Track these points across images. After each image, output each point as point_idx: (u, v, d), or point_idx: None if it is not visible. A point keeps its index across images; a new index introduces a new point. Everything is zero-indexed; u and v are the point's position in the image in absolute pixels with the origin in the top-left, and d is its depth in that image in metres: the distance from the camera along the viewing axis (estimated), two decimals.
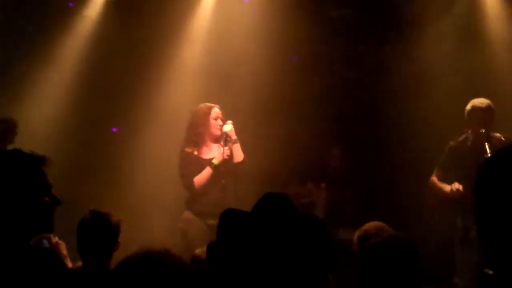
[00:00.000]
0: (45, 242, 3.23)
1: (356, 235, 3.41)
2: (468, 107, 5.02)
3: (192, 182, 5.14)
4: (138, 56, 6.70)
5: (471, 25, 6.19)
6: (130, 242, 3.06)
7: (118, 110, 6.68)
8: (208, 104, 5.30)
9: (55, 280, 1.99)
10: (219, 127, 5.21)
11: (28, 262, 2.00)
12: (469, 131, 5.06)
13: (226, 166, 5.18)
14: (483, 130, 4.89)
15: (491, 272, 1.43)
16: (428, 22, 6.21)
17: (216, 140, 5.23)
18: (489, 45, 6.11)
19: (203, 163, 5.15)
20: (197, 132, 5.22)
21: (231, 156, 5.20)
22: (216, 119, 5.24)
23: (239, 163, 5.21)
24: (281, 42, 6.36)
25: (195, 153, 5.20)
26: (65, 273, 2.09)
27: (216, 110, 5.27)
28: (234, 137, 5.22)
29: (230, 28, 6.48)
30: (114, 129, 6.76)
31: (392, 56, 6.27)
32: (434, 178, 5.21)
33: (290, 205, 2.13)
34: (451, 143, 5.15)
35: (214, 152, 5.20)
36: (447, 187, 4.95)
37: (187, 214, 5.18)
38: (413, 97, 6.01)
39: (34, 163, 2.09)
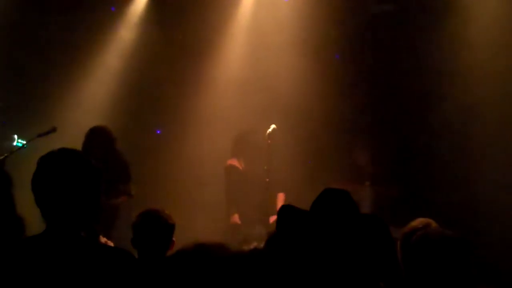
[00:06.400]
0: None
1: (401, 232, 3.27)
2: None
3: None
4: (179, 58, 6.75)
5: None
6: (177, 242, 3.08)
7: (162, 113, 6.74)
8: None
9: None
10: None
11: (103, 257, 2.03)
12: None
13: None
14: None
15: None
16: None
17: None
18: None
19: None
20: None
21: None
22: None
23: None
24: (322, 40, 6.31)
25: None
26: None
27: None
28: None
29: (271, 29, 6.46)
30: (158, 131, 6.83)
31: (431, 50, 6.10)
32: None
33: (351, 201, 2.06)
34: None
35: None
36: None
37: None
38: (457, 89, 5.83)
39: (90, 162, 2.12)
